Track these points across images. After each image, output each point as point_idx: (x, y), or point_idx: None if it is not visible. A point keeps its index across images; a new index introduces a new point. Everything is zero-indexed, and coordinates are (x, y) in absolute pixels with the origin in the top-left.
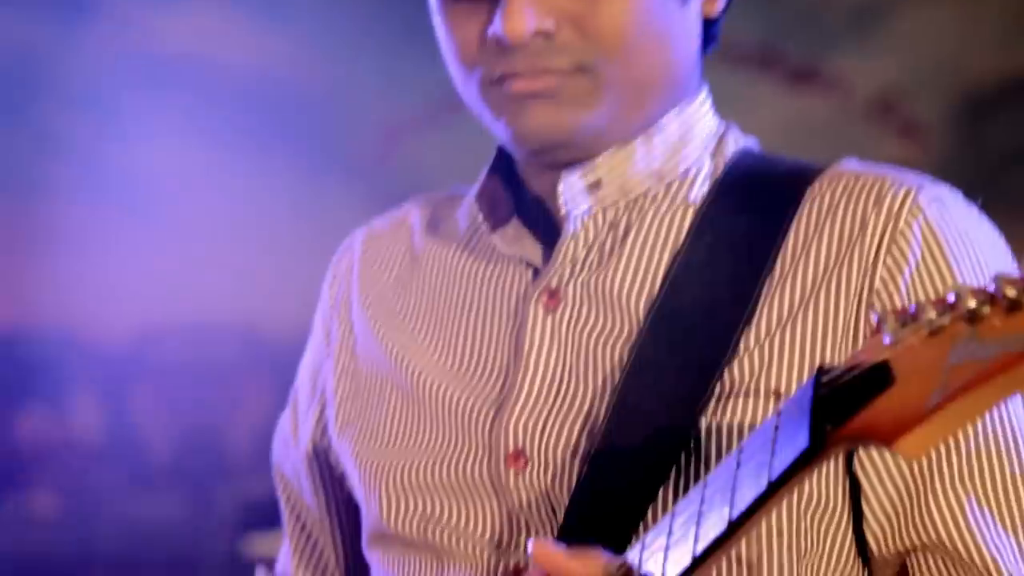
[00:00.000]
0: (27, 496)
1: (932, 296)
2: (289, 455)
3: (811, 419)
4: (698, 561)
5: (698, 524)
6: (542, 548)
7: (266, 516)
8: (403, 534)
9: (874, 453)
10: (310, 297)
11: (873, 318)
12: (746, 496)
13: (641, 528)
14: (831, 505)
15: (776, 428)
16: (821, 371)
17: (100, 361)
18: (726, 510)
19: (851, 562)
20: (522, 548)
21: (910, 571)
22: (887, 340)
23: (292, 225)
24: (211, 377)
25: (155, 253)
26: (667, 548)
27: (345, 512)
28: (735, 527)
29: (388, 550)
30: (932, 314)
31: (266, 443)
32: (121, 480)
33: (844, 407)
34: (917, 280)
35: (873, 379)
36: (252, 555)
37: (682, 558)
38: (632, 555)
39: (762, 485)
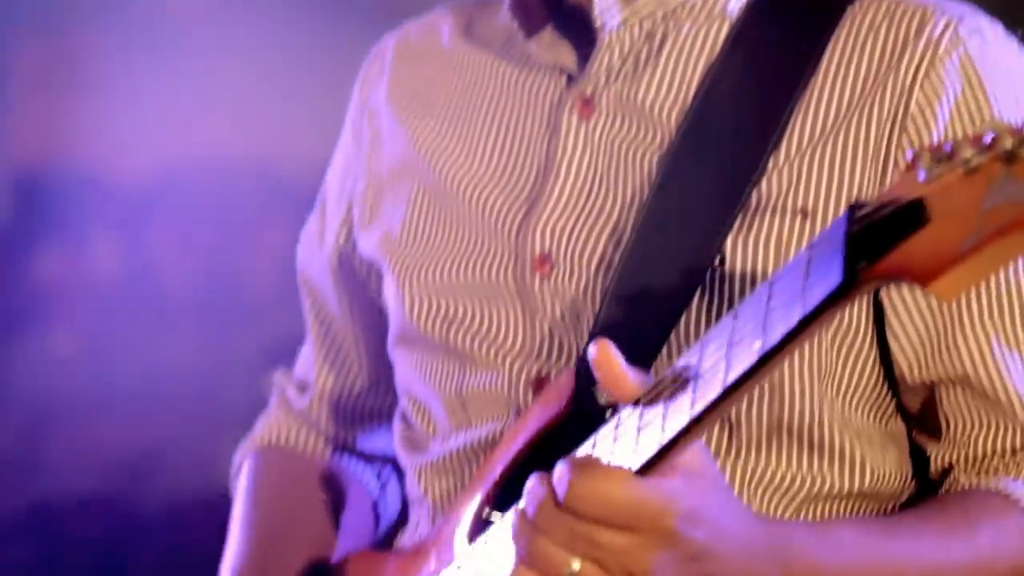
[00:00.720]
0: (45, 335)
1: (969, 132)
2: (314, 258)
3: (844, 255)
4: (728, 390)
5: (728, 356)
6: (606, 350)
7: (287, 355)
8: (427, 336)
9: (902, 287)
10: (329, 135)
11: (908, 154)
12: (778, 330)
13: (665, 350)
14: (854, 329)
15: (808, 262)
16: (854, 207)
17: (119, 200)
18: (757, 343)
19: (875, 386)
20: (545, 357)
21: (936, 400)
22: (922, 177)
23: (312, 62)
24: (231, 217)
25: (175, 91)
26: (697, 376)
27: (369, 316)
28: (766, 359)
29: (412, 352)
30: (969, 152)
31: (286, 282)
32: (140, 320)
33: (878, 244)
34: (955, 113)
35: (908, 217)
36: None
37: (712, 387)
38: (664, 380)
39: (793, 320)
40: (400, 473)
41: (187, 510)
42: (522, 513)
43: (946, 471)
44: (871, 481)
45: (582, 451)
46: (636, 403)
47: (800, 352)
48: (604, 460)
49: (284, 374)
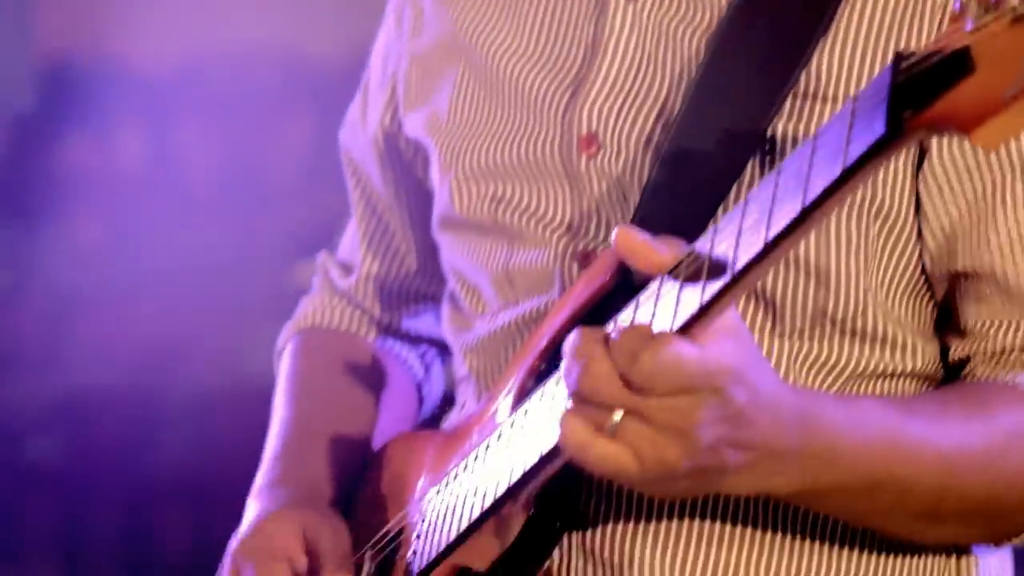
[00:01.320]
0: (69, 226)
1: None
2: (359, 139)
3: (888, 106)
4: (769, 247)
5: (771, 211)
6: (625, 232)
7: (312, 245)
8: (474, 217)
9: (939, 172)
10: (354, 23)
11: (955, 5)
12: (819, 183)
13: (711, 225)
14: (899, 215)
15: (852, 115)
16: (900, 58)
17: (144, 88)
18: (800, 196)
19: (917, 276)
20: (592, 234)
21: (958, 293)
22: (969, 26)
23: None
24: (255, 105)
25: None
26: (739, 234)
27: (416, 197)
28: (808, 212)
29: (458, 233)
30: (1016, 0)
31: (311, 171)
32: (164, 210)
33: (922, 93)
34: None
35: (953, 65)
36: (299, 284)
37: (753, 244)
38: (702, 243)
39: (835, 172)
40: (444, 355)
41: (213, 402)
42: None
43: (963, 361)
44: (914, 364)
45: (623, 316)
46: (676, 270)
47: (846, 241)
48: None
49: (327, 256)
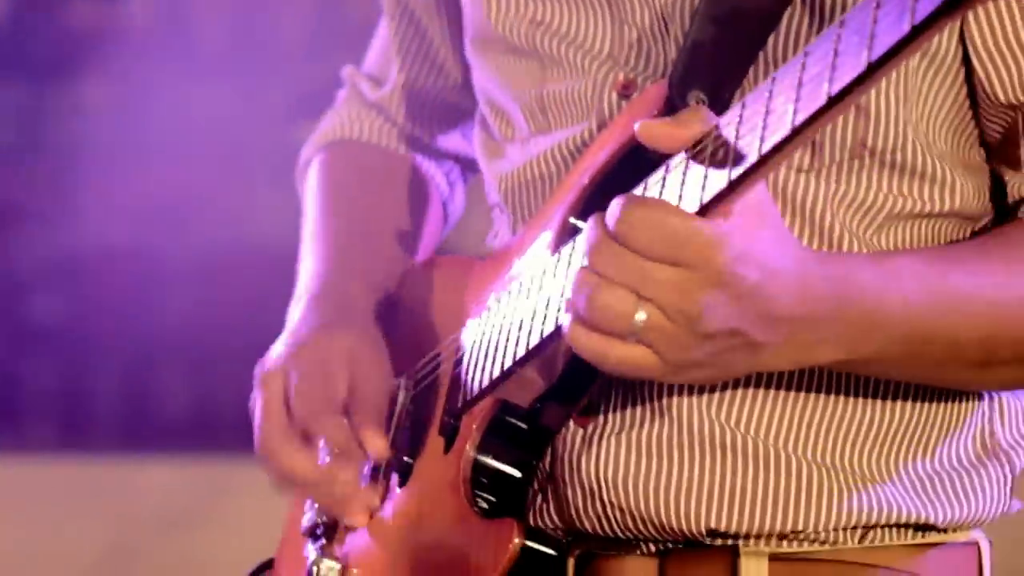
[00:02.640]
0: (77, 82)
1: None
2: None
3: None
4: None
5: (833, 65)
6: (645, 126)
7: (318, 107)
8: (509, 37)
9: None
10: None
11: None
12: (886, 39)
13: (753, 70)
14: (939, 47)
15: None
16: None
17: None
18: (864, 54)
19: (961, 110)
20: (632, 64)
21: (1019, 126)
22: None
23: None
24: None
25: None
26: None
27: (455, 9)
28: (873, 69)
29: (492, 54)
30: None
31: (319, 29)
32: (171, 67)
33: None
34: None
35: None
36: (303, 140)
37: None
38: (729, 120)
39: (904, 29)
40: (466, 174)
41: (216, 262)
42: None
43: (1018, 201)
44: (952, 201)
45: (652, 183)
46: (717, 130)
47: (888, 76)
48: (670, 197)
49: (354, 70)
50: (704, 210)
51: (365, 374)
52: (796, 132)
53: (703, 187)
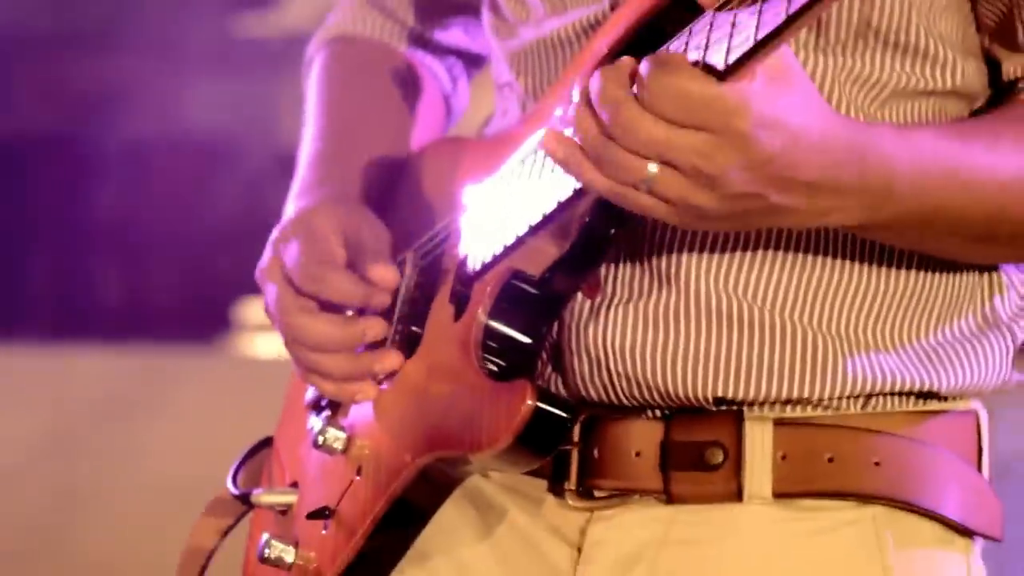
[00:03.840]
0: None
1: None
2: None
3: None
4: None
5: None
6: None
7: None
8: None
9: None
10: None
11: None
12: None
13: None
14: None
15: None
16: None
17: None
18: None
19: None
20: None
21: (1014, 9)
22: None
23: None
24: None
25: None
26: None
27: None
28: None
29: None
30: None
31: None
32: None
33: None
34: None
35: None
36: (239, 38)
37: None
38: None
39: None
40: (470, 69)
41: (148, 149)
42: (590, 106)
43: (1014, 82)
44: (954, 81)
45: (674, 48)
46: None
47: None
48: (692, 61)
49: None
50: (728, 72)
51: (357, 227)
52: None
53: (728, 50)
